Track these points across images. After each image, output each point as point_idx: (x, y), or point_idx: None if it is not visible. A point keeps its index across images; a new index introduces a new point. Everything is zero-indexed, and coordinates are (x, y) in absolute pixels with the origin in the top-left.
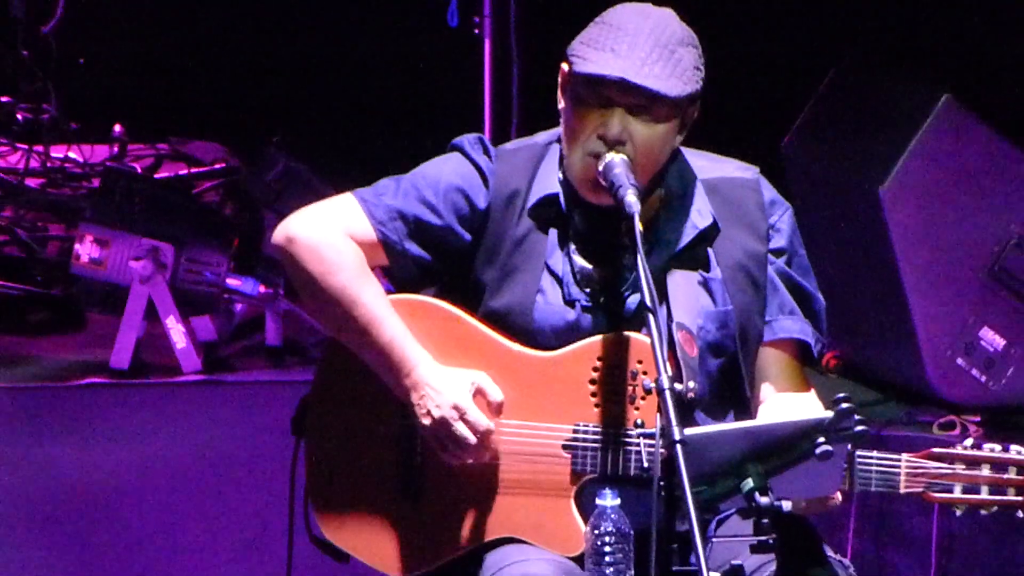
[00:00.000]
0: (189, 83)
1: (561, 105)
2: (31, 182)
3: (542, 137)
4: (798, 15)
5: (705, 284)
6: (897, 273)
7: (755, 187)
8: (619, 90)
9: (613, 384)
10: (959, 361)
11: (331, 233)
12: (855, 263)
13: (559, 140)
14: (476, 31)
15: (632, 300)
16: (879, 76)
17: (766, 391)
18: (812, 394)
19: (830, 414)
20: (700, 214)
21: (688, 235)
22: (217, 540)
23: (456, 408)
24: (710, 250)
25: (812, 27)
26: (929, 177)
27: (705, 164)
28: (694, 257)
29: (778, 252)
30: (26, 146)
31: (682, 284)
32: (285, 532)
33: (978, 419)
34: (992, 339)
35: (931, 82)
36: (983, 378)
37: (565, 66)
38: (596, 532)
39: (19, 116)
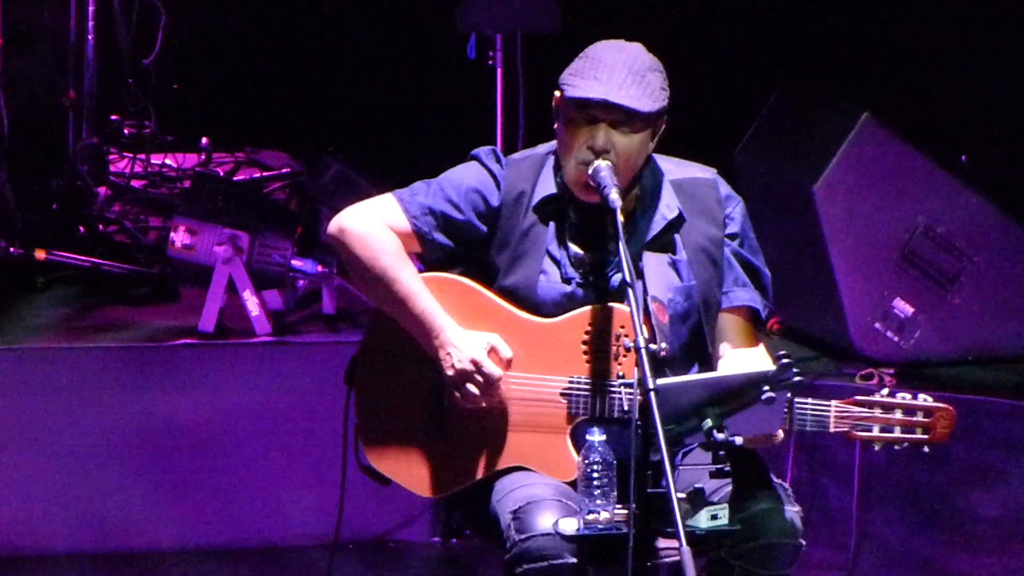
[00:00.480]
0: (261, 103)
1: (556, 124)
2: (136, 183)
3: (542, 148)
4: (746, 48)
5: (673, 264)
6: (827, 255)
7: (713, 185)
8: (602, 109)
9: (600, 344)
10: (877, 325)
11: (375, 225)
12: (794, 247)
13: (555, 151)
14: (490, 62)
15: (615, 278)
16: (813, 98)
17: (724, 348)
18: (761, 349)
19: (773, 367)
20: (668, 208)
21: (659, 225)
22: (287, 469)
23: (474, 362)
24: (677, 236)
25: (758, 57)
26: (852, 179)
27: (672, 167)
28: (664, 243)
29: (732, 236)
30: (131, 155)
31: (655, 264)
32: (340, 462)
33: (892, 372)
34: (903, 307)
35: (854, 102)
36: (896, 339)
37: (557, 93)
38: (586, 461)
39: (126, 131)
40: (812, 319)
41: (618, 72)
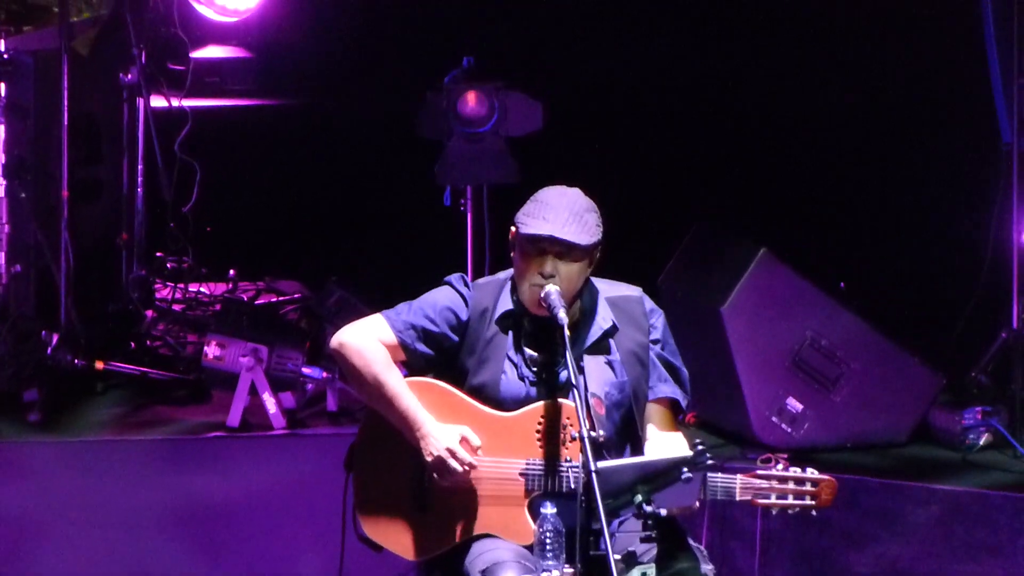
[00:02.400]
0: (278, 242)
1: (512, 252)
2: (176, 307)
3: (502, 275)
4: (668, 194)
5: (609, 364)
6: (733, 362)
7: (640, 301)
8: (550, 243)
9: (551, 433)
10: (773, 419)
11: (367, 339)
12: (707, 355)
13: (512, 277)
14: (462, 208)
15: (563, 375)
16: (720, 235)
17: (650, 432)
18: (680, 435)
19: (691, 453)
20: (604, 319)
21: (596, 333)
22: (298, 537)
23: (449, 450)
24: (611, 342)
25: (676, 202)
26: (752, 301)
27: (606, 287)
28: (601, 347)
29: (656, 341)
30: (173, 284)
31: (594, 365)
32: (341, 533)
33: (786, 456)
34: (795, 404)
35: (754, 240)
36: (789, 430)
37: (513, 228)
38: (541, 529)
39: (168, 265)
40: (721, 414)
41: (562, 213)
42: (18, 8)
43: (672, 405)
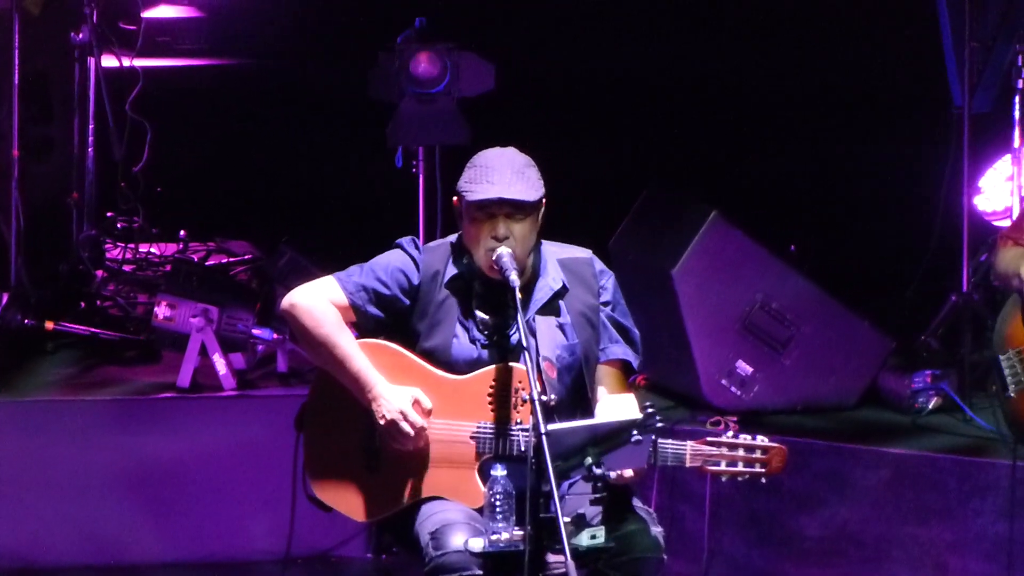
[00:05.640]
0: (229, 202)
1: (460, 222)
2: (127, 268)
3: (452, 237)
4: (619, 154)
5: (560, 327)
6: (683, 324)
7: (590, 262)
8: (498, 205)
9: (502, 396)
10: (723, 381)
11: (319, 300)
12: (658, 318)
13: (459, 241)
14: (413, 170)
15: (515, 338)
16: (673, 197)
17: (601, 393)
18: (631, 397)
19: (641, 415)
20: (555, 280)
21: (547, 295)
22: (248, 498)
23: (401, 412)
24: (562, 303)
25: (629, 161)
26: (703, 264)
27: (556, 249)
28: (552, 309)
29: (606, 303)
30: (123, 244)
31: (545, 327)
32: (291, 493)
33: (736, 419)
34: (744, 367)
35: (705, 202)
36: (739, 392)
37: (456, 198)
38: (491, 492)
39: (119, 225)
40: (671, 376)
41: (505, 173)
42: None
43: (623, 367)
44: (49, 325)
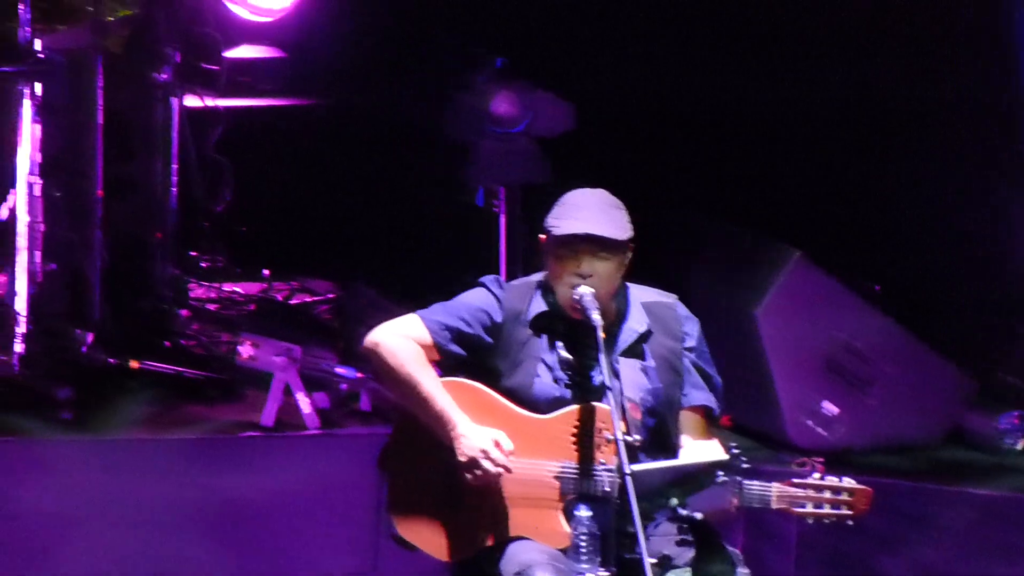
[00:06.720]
0: (311, 242)
1: (545, 259)
2: (210, 307)
3: (535, 276)
4: (695, 200)
5: (644, 370)
6: (767, 364)
7: (674, 307)
8: (584, 242)
9: (585, 436)
10: (808, 422)
11: (402, 338)
12: (737, 359)
13: (544, 279)
14: (495, 209)
15: (597, 379)
16: (749, 240)
17: (684, 439)
18: (715, 441)
19: (726, 456)
20: (638, 323)
21: (631, 337)
22: (328, 538)
23: (482, 451)
24: (645, 347)
25: (705, 206)
26: (786, 304)
27: (641, 292)
28: (635, 352)
29: (690, 349)
30: (207, 283)
31: (628, 369)
32: (373, 531)
33: (821, 460)
34: (829, 408)
35: (787, 244)
36: (824, 432)
37: (543, 236)
38: (576, 532)
39: (203, 264)
40: (753, 417)
41: (592, 210)
42: (49, 7)
43: (706, 413)
44: (134, 364)
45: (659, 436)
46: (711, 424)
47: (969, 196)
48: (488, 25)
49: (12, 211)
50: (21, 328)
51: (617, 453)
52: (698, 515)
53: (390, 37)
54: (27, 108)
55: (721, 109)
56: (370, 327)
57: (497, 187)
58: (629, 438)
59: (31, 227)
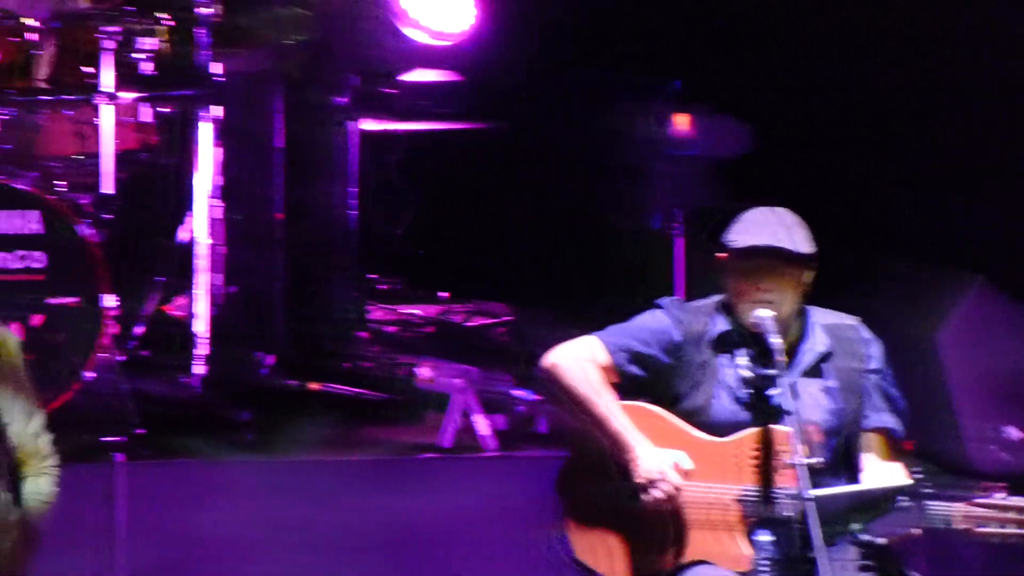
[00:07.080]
0: (488, 265)
1: (724, 277)
2: (389, 329)
3: (714, 298)
4: (869, 224)
5: (825, 390)
6: (947, 389)
7: (857, 329)
8: (764, 254)
9: (765, 460)
10: (991, 447)
11: (580, 359)
12: (915, 383)
13: (723, 300)
14: (672, 231)
15: (776, 401)
16: (929, 267)
17: (867, 462)
18: (899, 465)
19: (910, 481)
20: (819, 344)
21: (812, 358)
22: (506, 562)
23: (660, 472)
24: (826, 367)
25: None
26: (967, 328)
27: (821, 314)
28: (817, 372)
29: (873, 371)
30: (386, 306)
31: (810, 390)
32: (550, 554)
33: (1004, 484)
34: (1013, 432)
35: (969, 268)
36: (1007, 457)
37: (722, 253)
38: (758, 557)
39: (381, 287)
40: (933, 442)
41: (773, 225)
42: (227, 31)
43: (889, 435)
44: (314, 386)
45: (841, 457)
46: (894, 447)
47: None
48: (665, 49)
49: (192, 234)
50: (202, 350)
51: (798, 477)
52: (880, 540)
53: (568, 60)
54: (205, 131)
55: (896, 128)
56: (547, 349)
57: (674, 210)
58: (811, 460)
59: (212, 250)
